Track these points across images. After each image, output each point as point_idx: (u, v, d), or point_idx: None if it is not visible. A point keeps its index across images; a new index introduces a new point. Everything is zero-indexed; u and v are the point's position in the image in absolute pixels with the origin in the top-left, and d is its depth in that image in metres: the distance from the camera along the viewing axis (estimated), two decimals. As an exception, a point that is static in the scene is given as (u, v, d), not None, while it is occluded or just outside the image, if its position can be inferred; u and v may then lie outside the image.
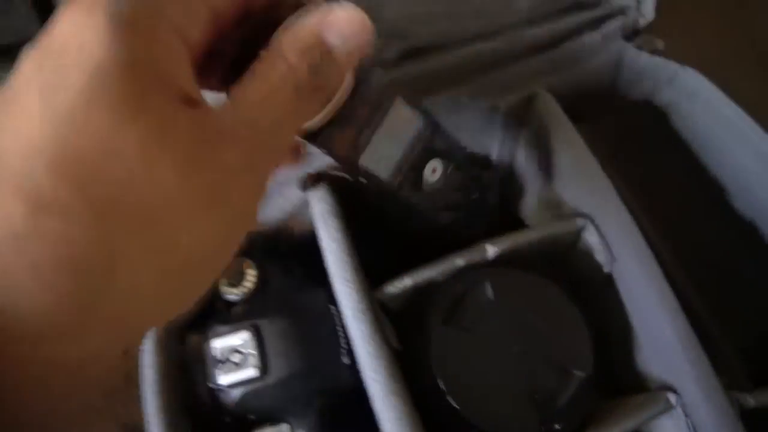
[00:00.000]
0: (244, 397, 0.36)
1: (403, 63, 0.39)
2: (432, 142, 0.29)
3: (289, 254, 0.43)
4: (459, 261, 0.36)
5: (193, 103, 0.17)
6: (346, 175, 0.43)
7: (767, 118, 0.40)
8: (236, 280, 0.40)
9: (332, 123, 0.24)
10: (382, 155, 0.27)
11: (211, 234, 0.17)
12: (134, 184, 0.15)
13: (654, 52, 0.42)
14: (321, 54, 0.19)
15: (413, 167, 0.29)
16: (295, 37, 0.19)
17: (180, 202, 0.16)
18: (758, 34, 0.60)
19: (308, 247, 0.42)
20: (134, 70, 0.15)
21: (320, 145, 0.25)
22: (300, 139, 0.24)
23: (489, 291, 0.35)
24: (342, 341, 0.37)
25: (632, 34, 0.43)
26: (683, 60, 0.43)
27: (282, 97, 0.19)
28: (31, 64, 0.16)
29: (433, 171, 0.30)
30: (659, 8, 0.43)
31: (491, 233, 0.37)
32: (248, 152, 0.18)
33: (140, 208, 0.16)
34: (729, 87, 0.42)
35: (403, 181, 0.28)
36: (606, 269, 0.37)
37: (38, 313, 0.15)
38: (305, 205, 0.42)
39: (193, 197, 0.16)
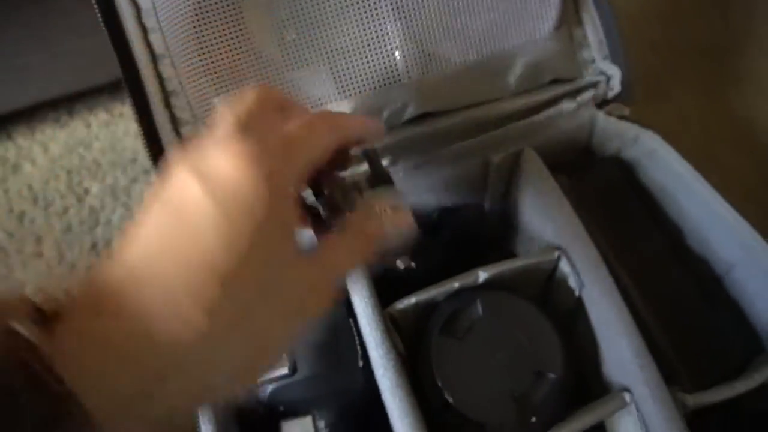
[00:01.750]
0: (276, 391, 0.42)
1: (412, 125, 0.47)
2: None
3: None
4: (455, 284, 0.43)
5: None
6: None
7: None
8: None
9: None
10: None
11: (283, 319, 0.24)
12: (255, 281, 0.22)
13: (621, 117, 0.50)
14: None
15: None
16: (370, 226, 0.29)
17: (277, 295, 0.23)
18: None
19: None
20: (272, 226, 0.22)
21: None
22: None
23: (479, 308, 0.42)
24: (358, 348, 0.43)
25: (603, 103, 0.51)
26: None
27: (346, 258, 0.28)
28: (206, 197, 0.22)
29: None
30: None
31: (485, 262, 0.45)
32: (314, 277, 0.25)
33: (264, 297, 0.23)
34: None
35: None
36: (577, 293, 0.43)
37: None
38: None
39: (282, 298, 0.24)
